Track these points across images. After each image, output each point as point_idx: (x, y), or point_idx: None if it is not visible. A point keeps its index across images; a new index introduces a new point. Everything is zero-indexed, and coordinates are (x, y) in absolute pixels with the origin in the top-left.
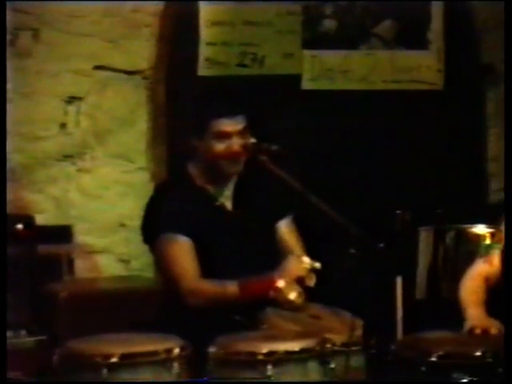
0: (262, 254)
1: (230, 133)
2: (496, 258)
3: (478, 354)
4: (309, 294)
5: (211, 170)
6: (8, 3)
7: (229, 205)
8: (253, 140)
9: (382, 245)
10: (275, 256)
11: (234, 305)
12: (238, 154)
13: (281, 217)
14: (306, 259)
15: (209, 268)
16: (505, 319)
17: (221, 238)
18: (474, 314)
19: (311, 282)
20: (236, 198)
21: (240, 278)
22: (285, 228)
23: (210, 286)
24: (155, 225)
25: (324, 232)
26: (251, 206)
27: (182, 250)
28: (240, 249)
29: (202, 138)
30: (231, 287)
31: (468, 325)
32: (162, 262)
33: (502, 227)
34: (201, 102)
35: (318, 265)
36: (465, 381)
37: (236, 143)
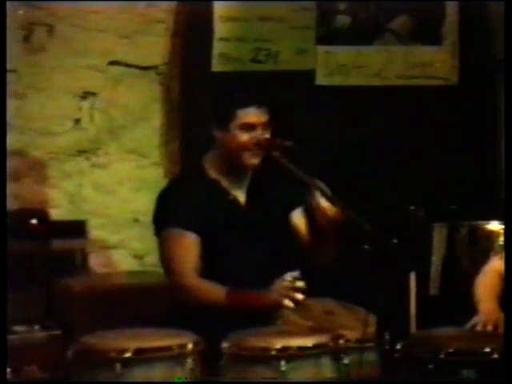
0: (273, 250)
1: (255, 124)
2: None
3: (487, 350)
4: (322, 290)
5: (229, 162)
6: (14, 2)
7: (242, 200)
8: (266, 135)
9: (395, 240)
10: (287, 253)
11: (222, 309)
12: (261, 146)
13: (292, 206)
14: (288, 276)
15: (218, 263)
16: (505, 319)
17: (232, 232)
18: (487, 308)
19: (298, 294)
20: (250, 194)
21: (247, 277)
22: (299, 218)
23: (200, 286)
24: (163, 218)
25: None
26: (265, 202)
27: (185, 246)
28: (251, 244)
29: (226, 128)
30: (220, 292)
31: (478, 319)
32: (163, 255)
33: None
34: (224, 92)
35: (295, 273)
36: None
37: (260, 134)
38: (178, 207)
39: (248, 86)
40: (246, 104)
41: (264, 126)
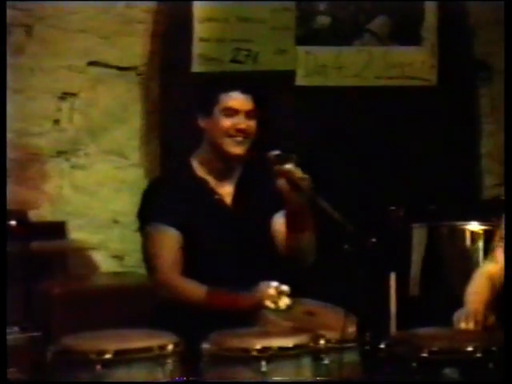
0: (257, 252)
1: (238, 109)
2: (499, 256)
3: (470, 349)
4: (302, 290)
5: (215, 156)
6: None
7: (228, 200)
8: (250, 123)
9: (374, 239)
10: (270, 255)
11: (200, 308)
12: (243, 132)
13: (274, 209)
14: (274, 283)
15: (199, 262)
16: (505, 319)
17: (216, 232)
18: (473, 307)
19: (282, 304)
20: (237, 195)
21: (228, 277)
22: (281, 221)
23: (181, 284)
24: (147, 213)
25: (318, 227)
26: (251, 203)
27: (166, 242)
28: (235, 245)
29: (209, 114)
30: (200, 291)
31: (462, 313)
32: (144, 251)
33: (501, 224)
34: (210, 78)
35: (285, 288)
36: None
37: (243, 121)
38: (162, 203)
39: (233, 73)
40: (229, 88)
41: (248, 113)
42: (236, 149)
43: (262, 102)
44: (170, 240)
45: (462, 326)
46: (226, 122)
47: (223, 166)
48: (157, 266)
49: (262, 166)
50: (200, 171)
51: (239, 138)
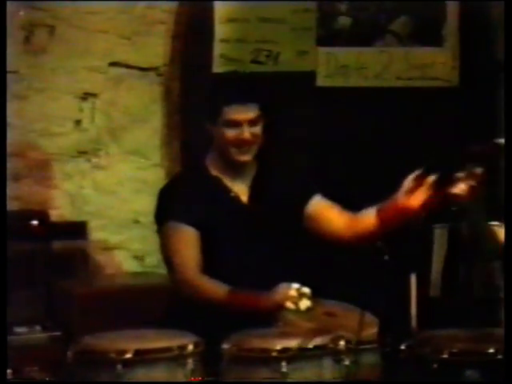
0: (273, 250)
1: (241, 121)
2: None
3: (491, 351)
4: (323, 291)
5: (224, 158)
6: (15, 3)
7: (244, 197)
8: (255, 131)
9: (379, 243)
10: (287, 254)
11: (221, 307)
12: (247, 143)
13: (302, 198)
14: (295, 285)
15: (216, 260)
16: (505, 319)
17: (233, 229)
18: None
19: (303, 306)
20: (253, 193)
21: (246, 276)
22: (321, 201)
23: (202, 282)
24: (163, 213)
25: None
26: (268, 200)
27: (185, 240)
28: (253, 243)
29: (215, 123)
30: (222, 291)
31: None
32: (164, 250)
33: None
34: (215, 87)
35: (306, 290)
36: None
37: (246, 131)
38: (179, 203)
39: (237, 82)
40: (230, 100)
41: (252, 121)
42: (242, 157)
43: (267, 107)
44: (188, 238)
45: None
46: (230, 134)
47: (236, 166)
48: (177, 266)
49: (278, 163)
50: (214, 170)
51: (244, 148)
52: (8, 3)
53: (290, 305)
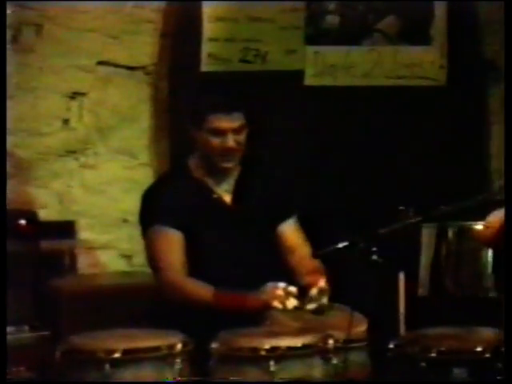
0: (258, 250)
1: (225, 129)
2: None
3: (479, 349)
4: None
5: (207, 162)
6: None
7: (228, 199)
8: (239, 140)
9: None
10: (272, 253)
11: (207, 308)
12: (231, 151)
13: (281, 215)
14: (282, 284)
15: (201, 262)
16: (505, 319)
17: (217, 231)
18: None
19: (290, 305)
20: (236, 194)
21: (231, 276)
22: (289, 229)
23: (187, 284)
24: (148, 216)
25: (328, 230)
26: (251, 202)
27: (170, 244)
28: (236, 244)
29: (200, 129)
30: (207, 292)
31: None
32: (149, 253)
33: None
34: (199, 94)
35: (293, 289)
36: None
37: (230, 140)
38: (162, 206)
39: (222, 89)
40: (215, 109)
41: (235, 131)
42: (226, 164)
43: (253, 115)
44: (173, 241)
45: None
46: (214, 142)
47: (219, 170)
48: (162, 269)
49: (261, 164)
50: (197, 172)
51: (228, 156)
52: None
53: (277, 304)
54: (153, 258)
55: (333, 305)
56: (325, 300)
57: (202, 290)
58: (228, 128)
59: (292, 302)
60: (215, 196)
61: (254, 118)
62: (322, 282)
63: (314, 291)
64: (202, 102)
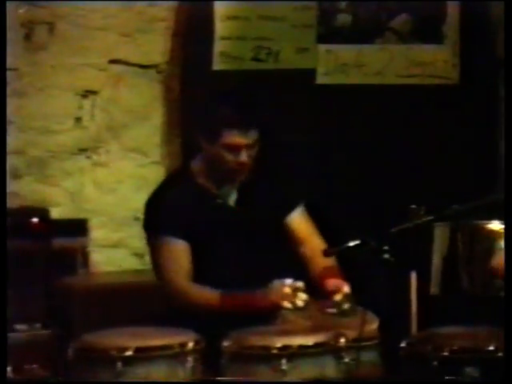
0: (266, 249)
1: (240, 146)
2: None
3: (491, 348)
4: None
5: (215, 171)
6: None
7: (232, 202)
8: (251, 154)
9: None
10: (280, 250)
11: (216, 312)
12: (244, 166)
13: (287, 206)
14: (288, 281)
15: (208, 267)
16: (504, 319)
17: (223, 236)
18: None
19: (299, 302)
20: (241, 196)
21: (239, 279)
22: (297, 219)
23: (194, 291)
24: (152, 225)
25: (341, 228)
26: (255, 205)
27: (175, 254)
28: (243, 246)
29: (212, 144)
30: (214, 296)
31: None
32: (154, 261)
33: None
34: (214, 108)
35: (300, 284)
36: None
37: (244, 155)
38: (166, 215)
39: (237, 105)
40: (231, 125)
41: (249, 146)
42: (238, 177)
43: (266, 129)
44: (177, 251)
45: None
46: (228, 157)
47: (226, 177)
48: (168, 278)
49: (264, 167)
50: (200, 177)
51: (241, 171)
52: (8, 2)
53: (287, 304)
54: (158, 267)
55: (356, 308)
56: (348, 305)
57: (208, 296)
58: (242, 145)
59: (301, 297)
60: (220, 201)
61: (267, 132)
62: (346, 288)
63: (338, 297)
64: (216, 118)
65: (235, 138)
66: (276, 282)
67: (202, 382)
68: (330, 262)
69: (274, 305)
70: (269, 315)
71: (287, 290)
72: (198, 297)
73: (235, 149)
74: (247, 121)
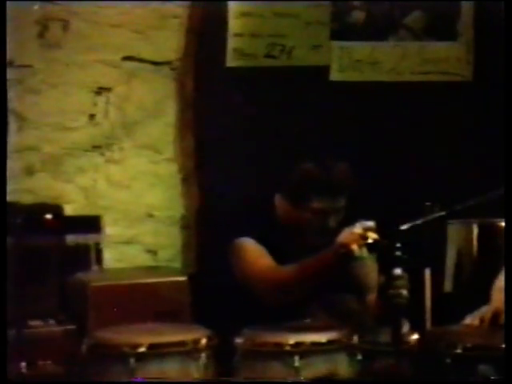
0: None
1: (329, 212)
2: None
3: (504, 346)
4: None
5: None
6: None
7: None
8: (338, 217)
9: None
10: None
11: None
12: (331, 231)
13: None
14: (358, 224)
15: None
16: (505, 316)
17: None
18: (496, 305)
19: (370, 239)
20: None
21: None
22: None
23: (283, 272)
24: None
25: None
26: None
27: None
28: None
29: (299, 208)
30: (293, 268)
31: (487, 310)
32: (240, 268)
33: None
34: (302, 177)
35: (370, 223)
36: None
37: (332, 221)
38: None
39: (327, 174)
40: (320, 194)
41: (337, 211)
42: (315, 242)
43: (354, 192)
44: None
45: (483, 324)
46: (314, 223)
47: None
48: (258, 273)
49: None
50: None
51: (326, 235)
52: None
53: (354, 247)
54: (245, 270)
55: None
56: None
57: (290, 271)
58: (331, 210)
59: (372, 236)
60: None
61: (355, 196)
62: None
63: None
64: (306, 185)
65: (324, 203)
66: (346, 229)
67: (206, 383)
68: None
69: (343, 246)
70: (299, 312)
71: (358, 230)
72: (288, 276)
73: (324, 213)
74: (337, 190)
